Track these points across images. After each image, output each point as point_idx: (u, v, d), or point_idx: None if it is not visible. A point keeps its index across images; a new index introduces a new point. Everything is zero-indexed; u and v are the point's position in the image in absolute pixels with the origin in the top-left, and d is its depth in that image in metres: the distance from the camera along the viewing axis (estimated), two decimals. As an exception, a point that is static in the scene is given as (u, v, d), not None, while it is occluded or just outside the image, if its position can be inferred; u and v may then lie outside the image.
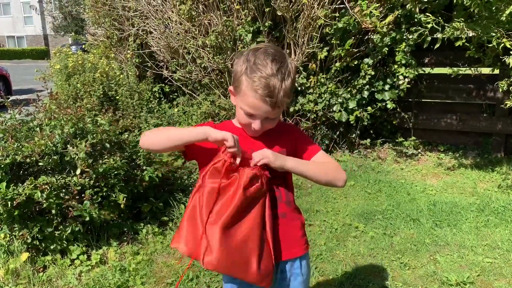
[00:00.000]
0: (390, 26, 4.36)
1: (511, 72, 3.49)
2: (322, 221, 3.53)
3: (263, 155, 1.37)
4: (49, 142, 3.07)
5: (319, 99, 4.71)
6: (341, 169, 1.51)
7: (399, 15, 4.38)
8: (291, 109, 4.82)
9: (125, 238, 3.37)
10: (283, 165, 1.39)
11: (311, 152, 1.51)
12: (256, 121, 1.38)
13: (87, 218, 3.04)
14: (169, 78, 5.51)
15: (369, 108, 4.76)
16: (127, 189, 3.36)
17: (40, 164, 3.06)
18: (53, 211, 2.95)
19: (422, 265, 2.86)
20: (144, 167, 3.70)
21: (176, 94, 6.01)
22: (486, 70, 4.49)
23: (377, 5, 4.30)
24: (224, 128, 1.53)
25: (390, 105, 4.71)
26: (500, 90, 3.53)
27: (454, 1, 3.25)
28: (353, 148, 5.15)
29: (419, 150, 5.13)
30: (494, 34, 3.27)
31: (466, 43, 3.65)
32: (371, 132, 5.20)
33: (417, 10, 4.12)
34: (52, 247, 3.05)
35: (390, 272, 2.79)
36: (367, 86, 4.78)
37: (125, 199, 3.20)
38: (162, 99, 5.97)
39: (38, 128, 3.37)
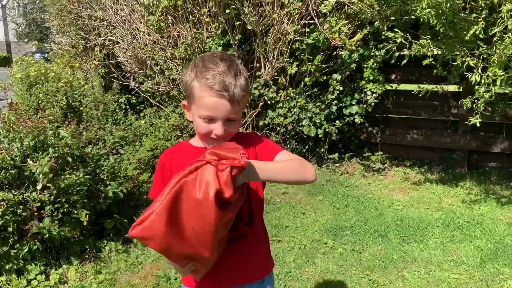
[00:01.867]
0: (358, 43, 4.42)
1: (474, 89, 3.58)
2: (291, 237, 3.49)
3: None
4: (7, 156, 2.92)
5: (288, 113, 4.71)
6: (307, 163, 1.37)
7: (367, 32, 4.45)
8: (261, 123, 4.80)
9: (87, 256, 3.23)
10: (248, 178, 1.25)
11: (272, 153, 1.42)
12: (217, 124, 1.31)
13: (46, 236, 2.89)
14: (136, 89, 5.40)
15: (337, 122, 4.80)
16: (89, 205, 3.23)
17: (-4, 179, 2.90)
18: (10, 229, 2.79)
19: (391, 282, 2.85)
20: (108, 182, 3.57)
21: (143, 105, 5.89)
22: (450, 87, 4.61)
23: (346, 21, 4.35)
24: (180, 149, 1.50)
25: (358, 120, 4.76)
26: (464, 107, 3.61)
27: (421, 20, 3.32)
28: (322, 162, 5.16)
29: (386, 165, 5.19)
30: (458, 53, 3.36)
31: (432, 62, 3.73)
32: (340, 146, 5.23)
33: (385, 28, 4.19)
34: (7, 266, 2.89)
35: (359, 290, 2.78)
36: (336, 101, 4.82)
37: (87, 216, 3.07)
38: (129, 110, 5.83)
39: (-5, 141, 3.20)
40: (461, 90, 4.65)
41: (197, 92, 1.31)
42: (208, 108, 1.30)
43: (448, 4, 2.96)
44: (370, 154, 5.20)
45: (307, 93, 4.80)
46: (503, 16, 2.82)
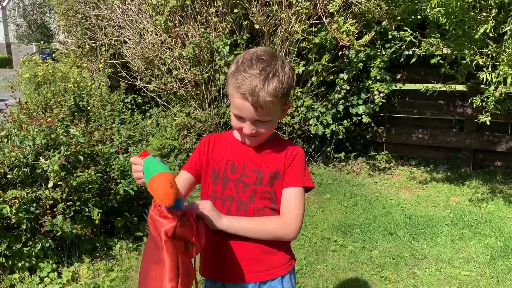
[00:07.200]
0: (365, 43, 4.44)
1: (482, 88, 3.61)
2: (300, 235, 3.50)
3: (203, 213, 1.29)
4: (20, 154, 2.93)
5: (295, 112, 4.72)
6: (292, 222, 1.38)
7: (374, 32, 4.47)
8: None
9: (98, 254, 3.24)
10: (215, 226, 1.32)
11: (288, 183, 1.42)
12: (246, 124, 1.34)
13: (59, 233, 2.90)
14: (143, 88, 5.41)
15: (345, 122, 4.82)
16: (101, 203, 3.24)
17: (9, 176, 2.91)
18: (23, 227, 2.80)
19: (402, 278, 2.87)
20: (119, 180, 3.59)
21: (149, 105, 5.91)
22: (456, 87, 4.63)
23: (353, 21, 4.37)
24: (224, 137, 1.53)
25: (365, 119, 4.78)
26: (474, 105, 3.63)
27: (430, 19, 3.34)
28: (328, 161, 5.18)
29: (391, 164, 5.21)
30: (467, 52, 3.38)
31: (440, 61, 3.75)
32: (347, 145, 5.25)
33: (393, 27, 4.21)
34: (20, 264, 2.89)
35: (371, 287, 2.79)
36: (342, 101, 4.85)
37: (99, 214, 3.08)
38: (135, 110, 5.85)
39: (5, 139, 3.21)
40: (466, 89, 4.68)
41: (229, 90, 1.35)
42: (236, 108, 1.34)
43: (458, 3, 2.98)
44: (376, 153, 5.22)
45: (314, 93, 4.82)
46: (513, 15, 2.85)
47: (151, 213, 1.17)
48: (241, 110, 1.32)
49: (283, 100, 1.35)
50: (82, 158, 3.27)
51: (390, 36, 4.56)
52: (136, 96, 5.85)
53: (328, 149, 5.10)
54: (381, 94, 4.74)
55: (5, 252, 2.83)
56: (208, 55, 4.66)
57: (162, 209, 1.16)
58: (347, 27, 4.19)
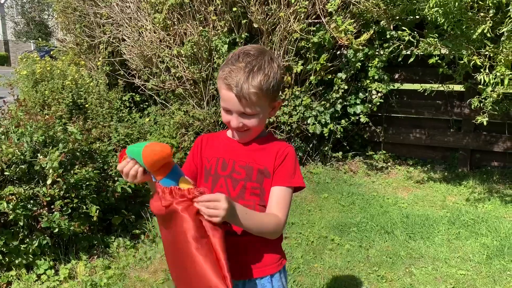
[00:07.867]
0: (364, 42, 4.45)
1: (479, 88, 3.62)
2: (298, 233, 3.51)
3: (215, 213, 1.21)
4: (17, 151, 2.93)
5: (293, 111, 4.73)
6: (280, 227, 1.39)
7: (373, 31, 4.48)
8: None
9: (95, 252, 3.24)
10: (227, 220, 1.26)
11: (277, 181, 1.42)
12: (232, 116, 1.37)
13: (56, 230, 2.90)
14: (141, 86, 5.41)
15: (342, 121, 4.83)
16: (98, 201, 3.25)
17: (6, 173, 2.91)
18: (20, 223, 2.80)
19: (399, 277, 2.88)
20: (116, 178, 3.59)
21: (147, 103, 5.90)
22: (454, 87, 4.65)
23: (352, 21, 4.38)
24: (217, 136, 1.56)
25: (363, 119, 4.79)
26: (472, 106, 3.64)
27: (429, 18, 3.35)
28: (326, 160, 5.19)
29: (389, 164, 5.22)
30: (465, 52, 3.39)
31: (438, 61, 3.76)
32: (345, 144, 5.26)
33: (391, 27, 4.22)
34: (17, 261, 2.90)
35: (368, 285, 2.80)
36: (340, 100, 4.85)
37: (97, 211, 3.08)
38: (133, 108, 5.84)
39: (3, 136, 3.21)
40: (464, 89, 4.69)
41: (218, 83, 1.40)
42: (223, 99, 1.38)
43: (456, 3, 2.99)
44: (373, 153, 5.23)
45: (312, 92, 4.82)
46: (511, 15, 2.85)
47: (175, 206, 1.20)
48: (227, 102, 1.36)
49: (270, 95, 1.38)
50: (79, 155, 3.27)
51: (388, 36, 4.56)
52: (134, 94, 5.85)
53: (326, 148, 5.11)
54: (379, 94, 4.75)
55: (2, 249, 2.83)
56: (206, 53, 4.66)
57: (177, 192, 1.21)
58: (345, 27, 4.20)
